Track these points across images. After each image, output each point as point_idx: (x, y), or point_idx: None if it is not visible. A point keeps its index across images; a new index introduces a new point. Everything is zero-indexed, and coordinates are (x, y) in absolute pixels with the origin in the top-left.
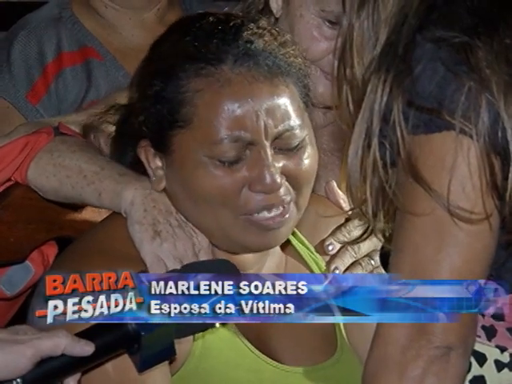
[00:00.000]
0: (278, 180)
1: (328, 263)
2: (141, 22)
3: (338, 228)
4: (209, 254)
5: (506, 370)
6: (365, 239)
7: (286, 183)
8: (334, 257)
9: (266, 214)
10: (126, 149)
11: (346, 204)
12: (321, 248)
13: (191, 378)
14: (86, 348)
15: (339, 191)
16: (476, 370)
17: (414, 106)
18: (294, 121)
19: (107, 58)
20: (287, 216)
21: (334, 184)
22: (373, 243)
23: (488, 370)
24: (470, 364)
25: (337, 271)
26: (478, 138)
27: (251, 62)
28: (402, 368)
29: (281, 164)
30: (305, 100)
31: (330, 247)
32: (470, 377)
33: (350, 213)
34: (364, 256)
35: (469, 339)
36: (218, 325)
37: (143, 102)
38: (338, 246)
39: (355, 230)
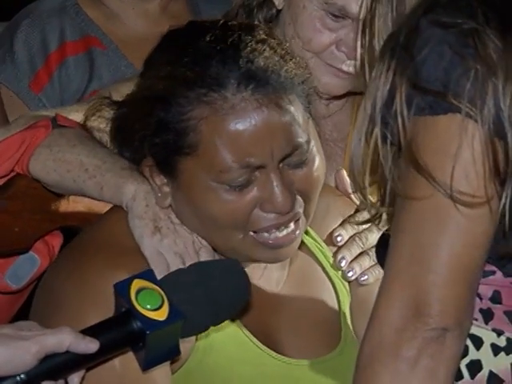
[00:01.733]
0: (290, 201)
1: (335, 253)
2: (144, 12)
3: (347, 219)
4: (209, 251)
5: (502, 354)
6: (370, 223)
7: (298, 197)
8: (341, 247)
9: (277, 233)
10: (122, 149)
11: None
12: (329, 239)
13: (195, 373)
14: (91, 345)
15: (349, 180)
16: (472, 353)
17: (419, 89)
18: (301, 137)
19: (110, 47)
20: (298, 232)
21: (344, 173)
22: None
23: (484, 354)
24: (467, 348)
25: (343, 261)
26: (483, 123)
27: (254, 85)
28: (397, 349)
29: (291, 182)
30: (308, 108)
31: (339, 238)
32: (466, 361)
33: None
34: (372, 247)
35: (465, 322)
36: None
37: (146, 129)
38: (347, 237)
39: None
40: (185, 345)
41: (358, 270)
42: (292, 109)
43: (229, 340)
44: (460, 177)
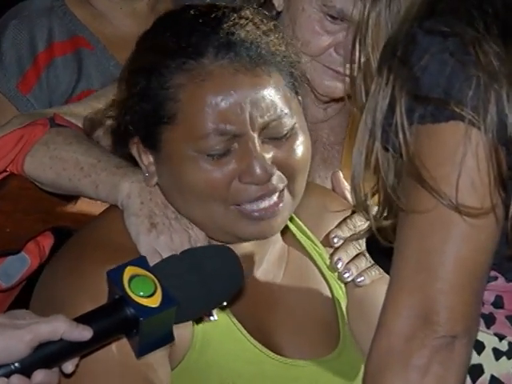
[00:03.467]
0: (268, 170)
1: (332, 255)
2: (132, 12)
3: (344, 221)
4: None
5: (504, 359)
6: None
7: (278, 172)
8: (337, 248)
9: (259, 204)
10: (120, 144)
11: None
12: (326, 240)
13: (192, 371)
14: (85, 333)
15: (345, 182)
16: (474, 358)
17: (420, 99)
18: (281, 109)
19: (98, 47)
20: (281, 205)
21: (340, 174)
22: None
23: (486, 359)
24: (471, 353)
25: (340, 263)
26: (487, 131)
27: (232, 54)
28: (406, 357)
29: (271, 154)
30: (293, 88)
31: (335, 239)
32: None
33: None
34: None
35: (473, 329)
36: (216, 317)
37: (129, 100)
38: (343, 238)
39: (361, 222)
40: (182, 340)
41: (354, 271)
42: (271, 80)
43: (226, 338)
44: (465, 186)
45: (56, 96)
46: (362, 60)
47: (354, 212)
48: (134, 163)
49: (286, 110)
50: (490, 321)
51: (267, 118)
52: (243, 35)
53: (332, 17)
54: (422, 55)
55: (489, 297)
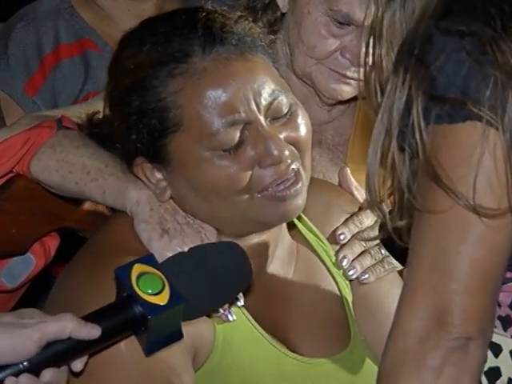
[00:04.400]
0: (285, 148)
1: (337, 252)
2: (139, 13)
3: (350, 217)
4: None
5: None
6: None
7: (292, 149)
8: (343, 246)
9: (281, 186)
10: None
11: (357, 192)
12: (332, 237)
13: (215, 373)
14: (93, 331)
15: (352, 179)
16: (491, 361)
17: (437, 99)
18: (277, 88)
19: (105, 49)
20: (300, 184)
21: (348, 171)
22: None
23: (503, 361)
24: (486, 355)
25: (345, 260)
26: (505, 131)
27: (218, 45)
28: (421, 358)
29: (282, 134)
30: (276, 67)
31: (342, 236)
32: (485, 368)
33: (362, 202)
34: (374, 245)
35: (488, 330)
36: (235, 317)
37: (127, 121)
38: (349, 235)
39: (367, 219)
40: (203, 343)
41: (359, 268)
42: (261, 61)
43: (246, 339)
44: (482, 187)
45: (62, 98)
46: (377, 60)
47: (360, 208)
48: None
49: (280, 88)
50: (507, 323)
51: (269, 99)
52: (220, 26)
53: (338, 21)
54: (439, 55)
55: (505, 298)
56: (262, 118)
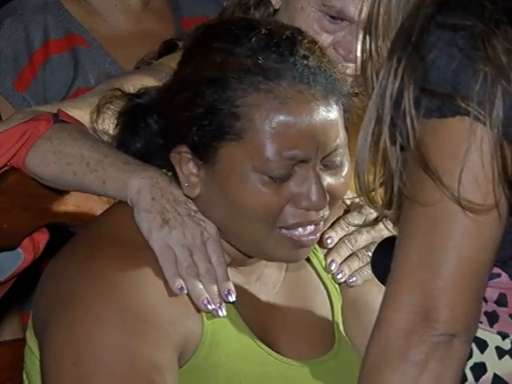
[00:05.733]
0: (325, 198)
1: (326, 256)
2: (126, 8)
3: (337, 221)
4: (217, 242)
5: (507, 357)
6: (373, 225)
7: (327, 202)
8: (331, 249)
9: (300, 230)
10: (132, 139)
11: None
12: (320, 241)
13: (199, 370)
14: None
15: None
16: (477, 356)
17: (427, 92)
18: (341, 139)
19: (93, 45)
20: (318, 235)
21: None
22: (370, 235)
23: (489, 357)
24: (471, 351)
25: (333, 264)
26: (492, 126)
27: (310, 80)
28: (404, 353)
29: (326, 182)
30: (345, 117)
31: (329, 240)
32: (470, 363)
33: (348, 204)
34: (361, 248)
35: (473, 327)
36: (225, 313)
37: (193, 110)
38: (337, 239)
39: (354, 222)
40: (191, 338)
41: (347, 271)
42: (337, 109)
43: (234, 338)
44: (468, 181)
45: (52, 94)
46: (373, 49)
47: (346, 212)
48: (143, 160)
49: (343, 142)
50: (493, 319)
51: (332, 147)
52: (316, 61)
53: (331, 16)
54: (432, 48)
55: (492, 294)
56: (318, 162)
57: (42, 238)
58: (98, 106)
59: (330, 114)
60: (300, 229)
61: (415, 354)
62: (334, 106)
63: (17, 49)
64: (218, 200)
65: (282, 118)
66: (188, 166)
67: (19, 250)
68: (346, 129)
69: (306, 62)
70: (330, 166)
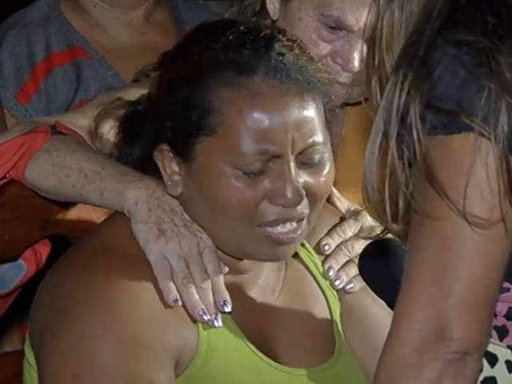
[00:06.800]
0: (300, 194)
1: (323, 263)
2: (128, 21)
3: (334, 228)
4: (213, 252)
5: None
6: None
7: (305, 198)
8: (328, 256)
9: (279, 228)
10: (132, 145)
11: (340, 203)
12: (317, 248)
13: (197, 379)
14: None
15: (334, 190)
16: (487, 370)
17: (433, 108)
18: (319, 137)
19: (96, 57)
20: (299, 233)
21: None
22: (367, 242)
23: (499, 371)
24: (482, 365)
25: (331, 270)
26: (497, 141)
27: (283, 75)
28: (418, 370)
29: (302, 179)
30: (326, 116)
31: (326, 247)
32: (481, 377)
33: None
34: (358, 255)
35: (485, 344)
36: (221, 323)
37: (169, 106)
38: (334, 245)
39: (350, 229)
40: (187, 348)
41: (344, 278)
42: (315, 106)
43: (230, 347)
44: (474, 195)
45: (55, 106)
46: (377, 61)
47: (342, 219)
48: (140, 168)
49: (323, 138)
50: (503, 333)
51: (307, 143)
52: (293, 58)
53: (329, 26)
54: (437, 65)
55: (501, 309)
56: (291, 158)
57: (44, 250)
58: (99, 115)
59: (304, 110)
60: (279, 227)
61: (429, 372)
62: (311, 103)
63: (19, 61)
64: (198, 198)
65: (253, 112)
66: (171, 165)
67: (21, 261)
68: (329, 129)
69: (281, 58)
70: (308, 164)
